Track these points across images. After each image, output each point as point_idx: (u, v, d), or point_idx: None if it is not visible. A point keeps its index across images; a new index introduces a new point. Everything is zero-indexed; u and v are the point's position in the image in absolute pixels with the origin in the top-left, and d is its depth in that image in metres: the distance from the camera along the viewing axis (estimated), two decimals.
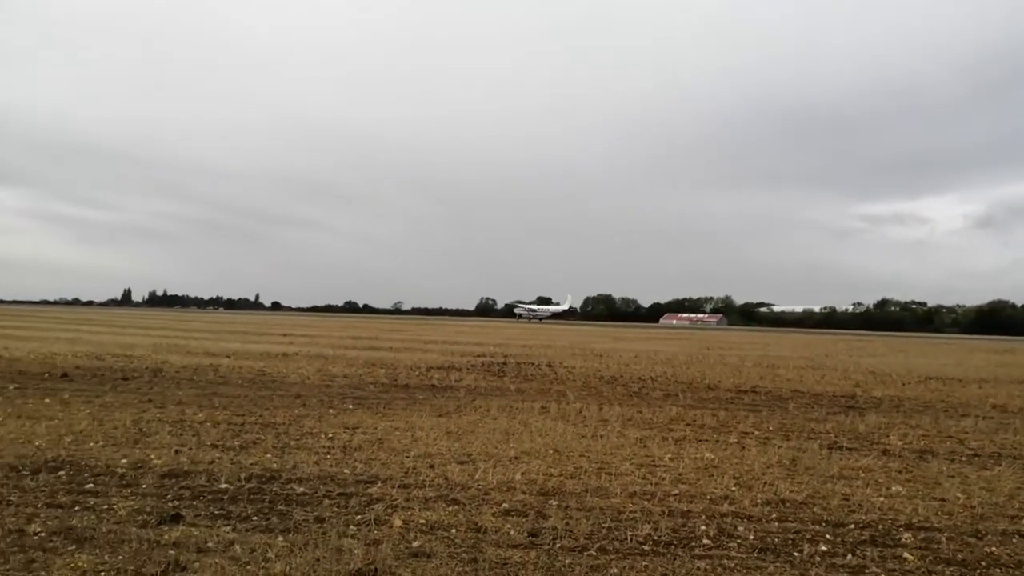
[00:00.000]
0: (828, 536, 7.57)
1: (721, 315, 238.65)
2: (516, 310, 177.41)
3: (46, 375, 20.73)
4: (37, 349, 30.10)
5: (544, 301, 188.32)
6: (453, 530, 7.33)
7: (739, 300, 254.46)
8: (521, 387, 21.30)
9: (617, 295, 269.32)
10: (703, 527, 7.71)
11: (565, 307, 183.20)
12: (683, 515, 8.15)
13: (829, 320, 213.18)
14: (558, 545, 6.97)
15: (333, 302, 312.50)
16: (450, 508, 8.10)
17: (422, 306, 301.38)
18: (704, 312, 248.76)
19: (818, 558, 6.90)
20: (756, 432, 14.14)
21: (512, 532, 7.31)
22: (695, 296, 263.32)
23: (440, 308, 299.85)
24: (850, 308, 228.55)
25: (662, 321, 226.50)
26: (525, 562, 6.49)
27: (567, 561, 6.56)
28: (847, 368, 32.91)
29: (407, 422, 14.02)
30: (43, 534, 6.85)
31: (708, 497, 8.95)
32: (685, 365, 31.97)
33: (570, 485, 9.26)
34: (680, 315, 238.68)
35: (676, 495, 9.01)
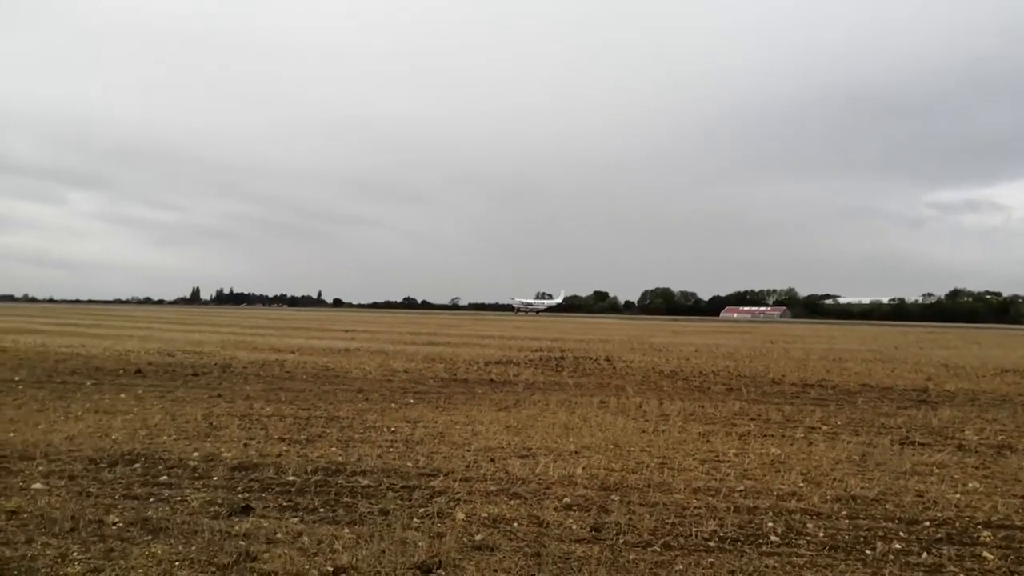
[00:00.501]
0: (902, 534, 7.30)
1: (784, 308, 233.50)
2: (514, 304, 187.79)
3: (121, 371, 21.58)
4: (112, 347, 31.36)
5: (543, 296, 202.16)
6: (515, 524, 7.33)
7: (803, 292, 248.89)
8: (579, 382, 21.20)
9: (676, 288, 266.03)
10: (770, 524, 7.53)
11: (558, 300, 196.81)
12: (749, 511, 7.98)
13: (898, 312, 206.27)
14: (621, 540, 6.90)
15: (392, 298, 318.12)
16: (512, 502, 8.10)
17: (479, 301, 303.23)
18: (766, 305, 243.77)
19: (892, 556, 6.67)
20: (824, 427, 13.76)
21: (574, 527, 7.27)
22: (757, 288, 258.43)
23: (497, 303, 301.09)
24: (920, 299, 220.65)
25: (723, 315, 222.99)
26: (588, 557, 6.44)
27: (631, 556, 6.49)
28: (918, 361, 31.73)
29: (467, 416, 14.11)
30: (121, 524, 7.10)
31: (775, 493, 8.74)
32: (748, 359, 31.31)
33: (632, 480, 9.17)
34: (741, 308, 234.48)
35: (742, 491, 8.82)
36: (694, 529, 7.26)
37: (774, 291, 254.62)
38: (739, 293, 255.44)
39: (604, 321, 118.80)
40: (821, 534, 7.24)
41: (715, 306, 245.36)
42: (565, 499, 8.23)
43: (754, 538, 7.10)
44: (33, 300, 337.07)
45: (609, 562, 6.35)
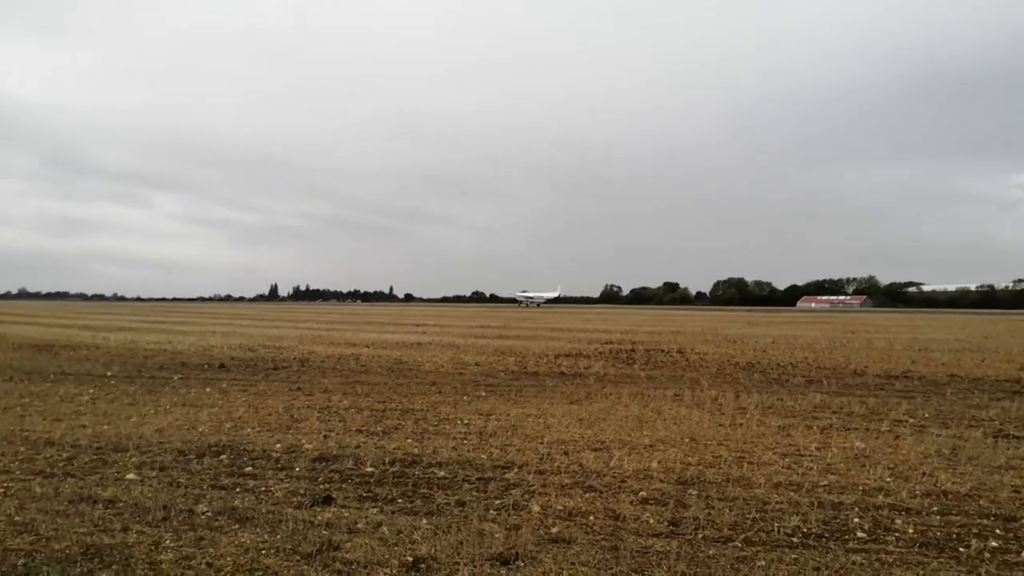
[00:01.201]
0: (998, 531, 6.95)
1: (865, 296, 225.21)
2: (517, 297, 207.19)
3: (206, 366, 22.46)
4: (196, 343, 32.67)
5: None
6: (591, 517, 7.29)
7: (884, 280, 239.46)
8: (651, 374, 20.95)
9: (750, 278, 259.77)
10: (856, 519, 7.27)
11: (555, 294, 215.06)
12: (834, 507, 7.72)
13: (987, 299, 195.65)
14: (700, 535, 6.78)
15: (461, 292, 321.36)
16: (587, 495, 8.06)
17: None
18: (846, 294, 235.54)
19: (988, 555, 6.35)
20: (910, 420, 13.22)
21: (651, 521, 7.18)
22: (835, 277, 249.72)
23: (565, 296, 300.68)
24: (1010, 286, 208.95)
25: (799, 304, 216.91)
26: (667, 551, 6.35)
27: (711, 552, 6.37)
28: (1011, 350, 30.10)
29: (539, 409, 14.12)
30: (209, 514, 7.38)
31: (860, 488, 8.43)
32: (827, 350, 30.33)
33: (710, 474, 8.99)
34: (819, 298, 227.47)
35: (825, 486, 8.55)
36: (776, 524, 7.07)
37: (854, 279, 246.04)
38: (817, 282, 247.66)
39: (675, 312, 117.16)
40: (911, 530, 6.96)
41: (791, 296, 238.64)
42: (641, 493, 8.14)
43: (840, 534, 6.86)
44: (122, 299, 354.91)
45: (688, 557, 6.24)
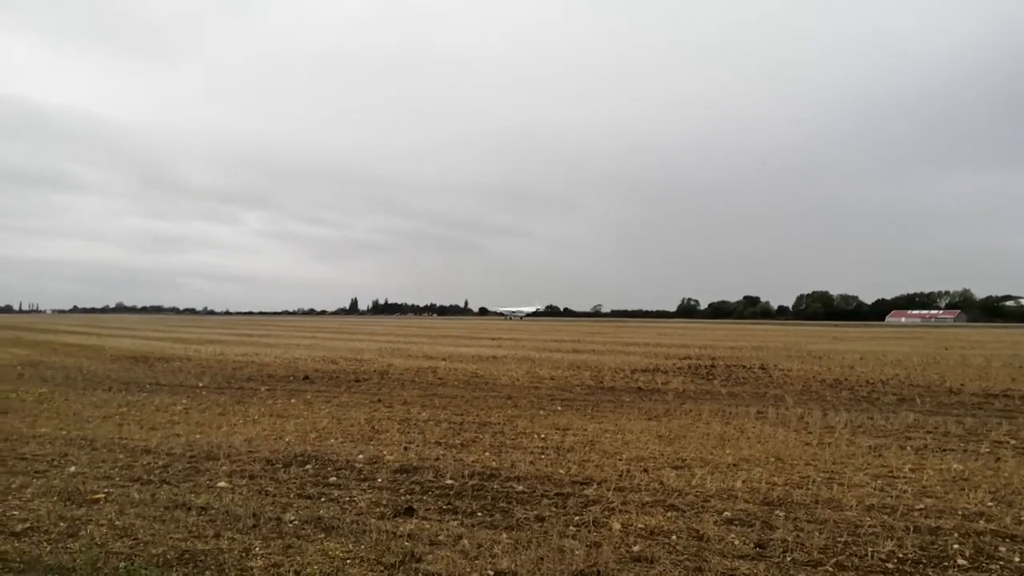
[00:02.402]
0: None
1: (959, 311, 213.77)
2: (503, 312, 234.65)
3: (291, 378, 23.20)
4: (282, 355, 33.79)
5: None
6: (674, 536, 7.14)
7: (980, 293, 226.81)
8: (733, 391, 20.44)
9: (835, 292, 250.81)
10: (956, 546, 6.89)
11: (535, 308, 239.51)
12: (931, 532, 7.34)
13: None
14: (789, 558, 6.54)
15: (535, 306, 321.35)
16: (668, 514, 7.91)
17: (621, 308, 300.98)
18: (938, 308, 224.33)
19: None
20: (1012, 441, 12.48)
21: (737, 542, 6.98)
22: (927, 290, 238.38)
23: (639, 310, 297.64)
24: None
25: (888, 319, 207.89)
26: (754, 574, 6.17)
27: None
28: None
29: (616, 424, 13.98)
30: (296, 522, 7.59)
31: (960, 513, 7.99)
32: (920, 367, 28.94)
33: (797, 495, 8.69)
34: (909, 312, 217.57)
35: (921, 510, 8.14)
36: (869, 549, 6.77)
37: (946, 293, 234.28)
38: (906, 296, 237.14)
39: (756, 327, 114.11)
40: (1016, 559, 6.54)
41: (879, 310, 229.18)
42: (725, 513, 7.94)
43: (938, 561, 6.52)
44: (211, 313, 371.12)
45: None
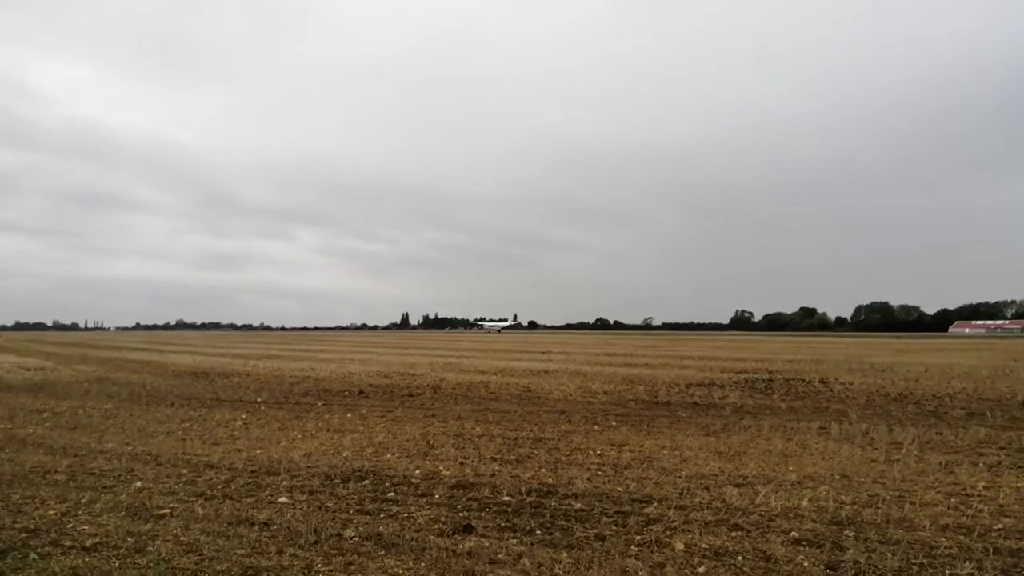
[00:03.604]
0: None
1: None
2: (483, 325, 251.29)
3: (346, 393, 23.48)
4: (337, 370, 34.24)
5: (501, 319, 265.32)
6: (739, 557, 6.94)
7: None
8: (793, 405, 19.92)
9: (895, 302, 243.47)
10: None
11: (508, 323, 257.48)
12: (1012, 554, 6.99)
13: None
14: None
15: (584, 319, 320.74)
16: (733, 534, 7.70)
17: (673, 321, 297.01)
18: (1004, 318, 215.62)
19: None
20: None
21: (806, 563, 6.74)
22: (993, 300, 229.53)
23: (691, 322, 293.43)
24: None
25: (952, 330, 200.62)
26: None
27: None
28: None
29: (672, 440, 13.74)
30: (356, 539, 7.61)
31: None
32: (989, 379, 27.78)
33: (867, 515, 8.37)
34: (974, 323, 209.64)
35: (1000, 530, 7.76)
36: (947, 571, 6.48)
37: (1013, 302, 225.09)
38: (971, 306, 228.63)
39: (814, 339, 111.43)
40: None
41: (942, 321, 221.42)
42: (792, 533, 7.69)
43: None
44: (268, 328, 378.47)
45: None
